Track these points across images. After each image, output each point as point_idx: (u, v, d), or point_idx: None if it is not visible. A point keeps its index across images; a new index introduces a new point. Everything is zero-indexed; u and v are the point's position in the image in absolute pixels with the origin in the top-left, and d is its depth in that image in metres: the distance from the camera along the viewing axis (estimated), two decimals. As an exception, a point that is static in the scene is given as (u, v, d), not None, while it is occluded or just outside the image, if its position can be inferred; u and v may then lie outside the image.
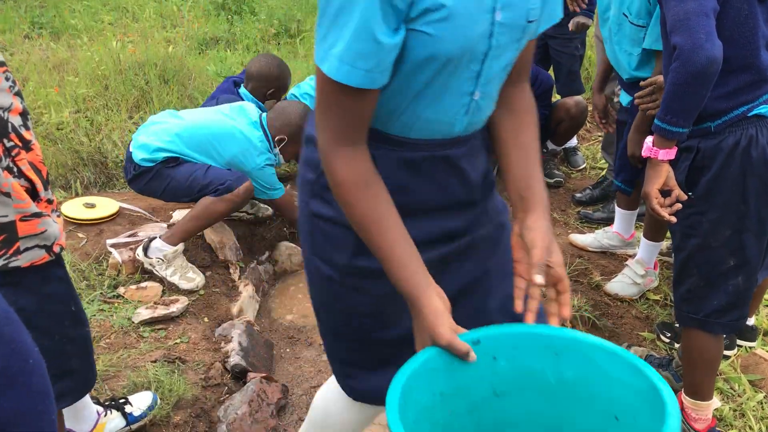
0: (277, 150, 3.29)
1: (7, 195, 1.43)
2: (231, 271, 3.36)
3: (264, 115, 3.30)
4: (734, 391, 2.45)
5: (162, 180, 3.11)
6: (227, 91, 3.74)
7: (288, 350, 3.11)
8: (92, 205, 3.38)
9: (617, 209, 3.41)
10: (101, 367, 2.50)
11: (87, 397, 2.10)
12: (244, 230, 3.60)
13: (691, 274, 2.01)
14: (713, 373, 2.15)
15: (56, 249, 1.58)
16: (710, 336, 2.05)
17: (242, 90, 3.78)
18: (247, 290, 3.28)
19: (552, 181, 4.32)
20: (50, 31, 6.62)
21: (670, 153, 1.82)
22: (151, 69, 5.07)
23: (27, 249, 1.50)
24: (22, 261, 1.49)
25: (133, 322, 2.79)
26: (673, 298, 2.16)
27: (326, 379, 2.94)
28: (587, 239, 3.48)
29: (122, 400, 2.25)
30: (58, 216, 1.64)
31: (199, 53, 6.27)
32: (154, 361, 2.55)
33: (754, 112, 1.82)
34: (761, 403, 2.38)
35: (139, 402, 2.29)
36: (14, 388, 0.79)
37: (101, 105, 4.70)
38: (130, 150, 3.17)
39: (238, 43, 6.59)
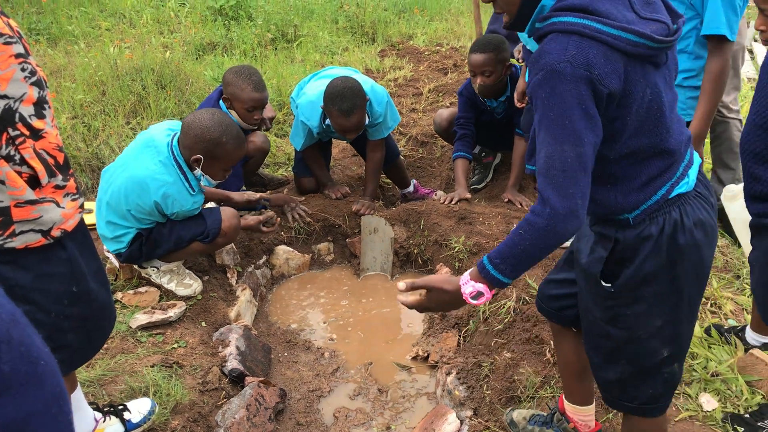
0: (199, 172, 2.82)
1: (2, 182, 1.54)
2: (228, 275, 3.36)
3: (175, 139, 2.86)
4: (731, 392, 2.46)
5: (151, 253, 2.97)
6: (209, 102, 3.67)
7: (286, 354, 3.11)
8: (89, 211, 3.38)
9: None
10: (99, 372, 2.50)
11: (83, 401, 2.10)
12: (241, 234, 3.60)
13: (620, 362, 1.75)
14: None
15: (55, 233, 1.66)
16: (648, 419, 1.82)
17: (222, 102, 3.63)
18: (244, 294, 3.28)
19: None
20: (47, 37, 6.63)
21: (485, 298, 1.58)
22: (148, 74, 5.07)
23: (22, 232, 1.60)
24: (17, 243, 1.60)
25: (130, 327, 2.79)
26: (597, 381, 1.87)
27: (324, 383, 2.96)
28: None
29: (121, 407, 2.25)
30: (73, 200, 1.73)
31: (197, 59, 6.28)
32: (152, 366, 2.55)
33: (674, 193, 1.59)
34: (759, 405, 2.38)
35: (138, 408, 2.28)
36: (25, 391, 0.79)
37: (98, 110, 4.71)
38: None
39: (236, 49, 6.60)
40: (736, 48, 3.47)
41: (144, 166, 2.77)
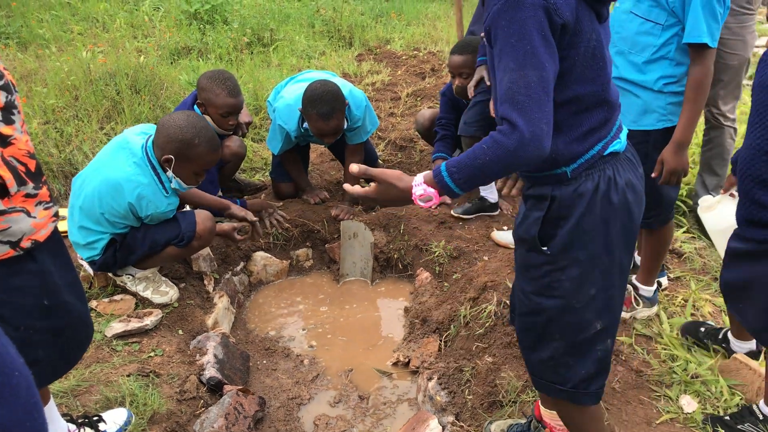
0: (170, 173, 2.76)
1: None
2: (205, 282, 3.31)
3: (150, 140, 2.81)
4: (711, 393, 2.47)
5: (125, 258, 2.91)
6: (184, 107, 3.61)
7: (264, 362, 3.07)
8: (63, 218, 3.31)
9: None
10: (73, 382, 2.44)
11: (56, 413, 2.04)
12: (218, 240, 3.56)
13: (554, 338, 1.75)
14: None
15: (25, 245, 1.60)
16: (580, 407, 1.84)
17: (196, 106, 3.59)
18: (222, 302, 3.23)
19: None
20: (17, 41, 6.51)
21: (432, 203, 1.61)
22: (122, 79, 5.00)
23: None
24: None
25: (106, 336, 2.73)
26: (527, 363, 1.88)
27: (304, 390, 2.93)
28: (509, 236, 3.45)
29: (96, 418, 2.19)
30: (46, 209, 1.66)
31: (171, 63, 6.21)
32: (128, 375, 2.50)
33: (609, 150, 1.65)
34: (738, 406, 2.40)
35: (114, 419, 2.23)
36: (0, 403, 0.77)
37: (71, 116, 4.62)
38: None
39: (211, 53, 6.55)
40: (741, 60, 3.51)
41: (118, 168, 2.72)
